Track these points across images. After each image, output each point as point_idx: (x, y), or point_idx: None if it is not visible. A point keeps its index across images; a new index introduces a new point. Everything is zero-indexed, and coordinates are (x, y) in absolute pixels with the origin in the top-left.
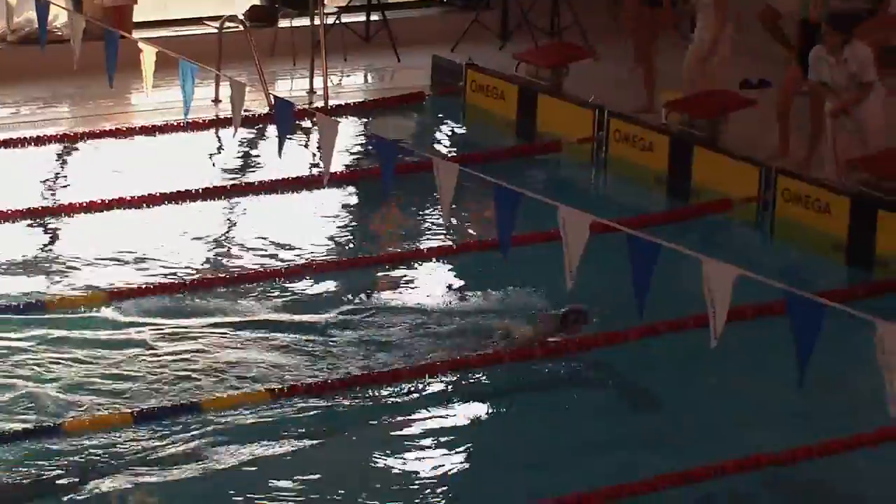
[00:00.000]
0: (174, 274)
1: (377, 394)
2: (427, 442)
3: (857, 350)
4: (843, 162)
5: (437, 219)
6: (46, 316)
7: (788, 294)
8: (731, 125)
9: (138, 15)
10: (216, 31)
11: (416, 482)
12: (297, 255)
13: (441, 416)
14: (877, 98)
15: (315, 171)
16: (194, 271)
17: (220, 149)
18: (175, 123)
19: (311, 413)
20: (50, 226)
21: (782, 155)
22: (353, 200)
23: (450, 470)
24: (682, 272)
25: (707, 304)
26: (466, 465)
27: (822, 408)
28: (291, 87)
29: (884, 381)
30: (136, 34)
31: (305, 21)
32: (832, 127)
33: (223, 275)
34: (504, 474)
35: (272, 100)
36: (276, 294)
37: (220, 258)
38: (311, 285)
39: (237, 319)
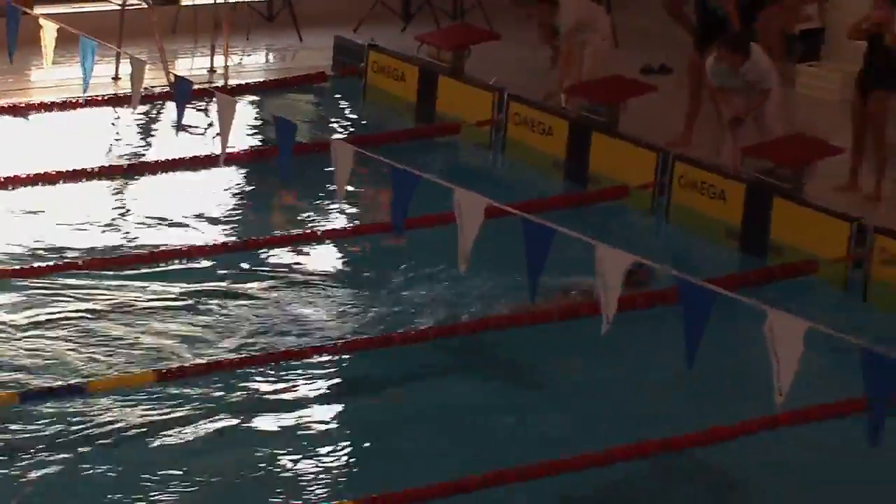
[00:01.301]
0: (68, 254)
1: (266, 374)
2: (305, 424)
3: (748, 337)
4: (740, 149)
5: (333, 200)
6: None
7: (680, 280)
8: (630, 110)
9: None
10: (118, 7)
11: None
12: (194, 236)
13: (325, 399)
14: (774, 87)
15: (213, 150)
16: (89, 250)
17: (118, 127)
18: (74, 100)
19: (197, 394)
20: None
21: (685, 144)
22: (251, 180)
23: (329, 455)
24: (577, 257)
25: (599, 289)
26: (350, 450)
27: (711, 395)
28: (192, 65)
29: (772, 368)
30: (37, 10)
31: (208, 0)
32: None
33: (118, 255)
34: (388, 461)
35: (172, 78)
36: (174, 274)
37: (116, 237)
38: (207, 266)
39: (129, 300)
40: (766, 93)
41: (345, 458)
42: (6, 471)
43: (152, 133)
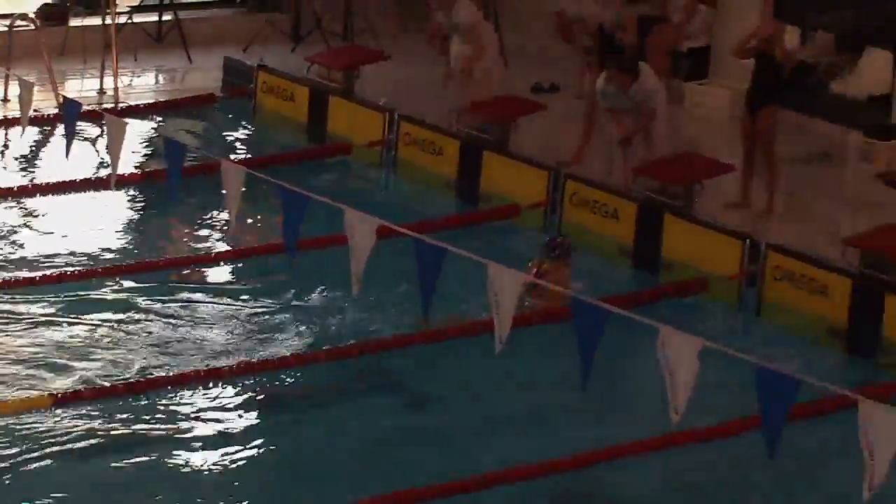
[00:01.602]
0: None
1: (161, 398)
2: (205, 446)
3: (642, 355)
4: (631, 168)
5: (224, 221)
6: None
7: (572, 298)
8: (521, 129)
9: None
10: (6, 29)
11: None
12: (86, 258)
13: (221, 420)
14: (661, 106)
15: (103, 171)
16: None
17: (7, 148)
18: None
19: (95, 419)
20: None
21: (575, 162)
22: (142, 202)
23: (234, 476)
24: (469, 278)
25: (492, 309)
26: (255, 470)
27: (607, 414)
28: (82, 86)
29: (666, 386)
30: None
31: (97, 20)
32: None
33: (8, 277)
34: (289, 482)
35: (61, 99)
36: (65, 296)
37: (6, 260)
38: (100, 287)
39: (18, 323)
40: (653, 112)
41: (242, 472)
42: None
43: (42, 155)
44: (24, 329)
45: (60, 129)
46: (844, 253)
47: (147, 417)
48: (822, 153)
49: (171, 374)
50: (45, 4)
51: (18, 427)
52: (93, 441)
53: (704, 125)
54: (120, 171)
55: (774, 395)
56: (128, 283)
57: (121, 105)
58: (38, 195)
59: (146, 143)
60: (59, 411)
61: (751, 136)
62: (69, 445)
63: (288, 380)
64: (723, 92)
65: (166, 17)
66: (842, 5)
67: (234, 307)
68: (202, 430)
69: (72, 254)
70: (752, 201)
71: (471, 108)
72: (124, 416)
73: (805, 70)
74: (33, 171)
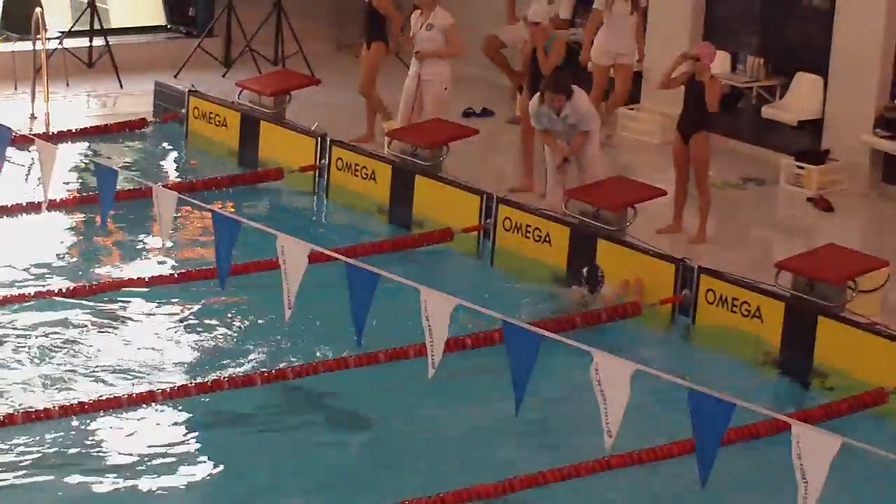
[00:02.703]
0: None
1: (89, 421)
2: (147, 470)
3: (574, 379)
4: (564, 192)
5: (157, 246)
6: None
7: (505, 323)
8: (452, 154)
9: None
10: None
11: None
12: (17, 283)
13: (154, 445)
14: (594, 128)
15: (35, 196)
16: None
17: None
18: None
19: (27, 443)
20: None
21: (527, 189)
22: (73, 227)
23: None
24: (402, 302)
25: (425, 333)
26: (192, 493)
27: (541, 438)
28: (12, 111)
29: (599, 411)
30: None
31: (27, 45)
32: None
33: None
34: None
35: None
36: None
37: None
38: (31, 312)
39: None
40: (585, 134)
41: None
42: None
43: None
44: None
45: None
46: (777, 276)
47: (75, 440)
48: (754, 178)
49: (96, 398)
50: None
51: None
52: (30, 466)
53: (636, 150)
54: (51, 195)
55: (708, 419)
56: (60, 307)
57: (52, 130)
58: None
59: (78, 168)
60: None
61: (683, 161)
62: (17, 470)
63: (224, 402)
64: (654, 117)
65: (97, 43)
66: (773, 29)
67: (166, 332)
68: (134, 453)
69: (3, 278)
70: (683, 225)
71: (402, 132)
72: (53, 440)
73: (737, 95)
74: None
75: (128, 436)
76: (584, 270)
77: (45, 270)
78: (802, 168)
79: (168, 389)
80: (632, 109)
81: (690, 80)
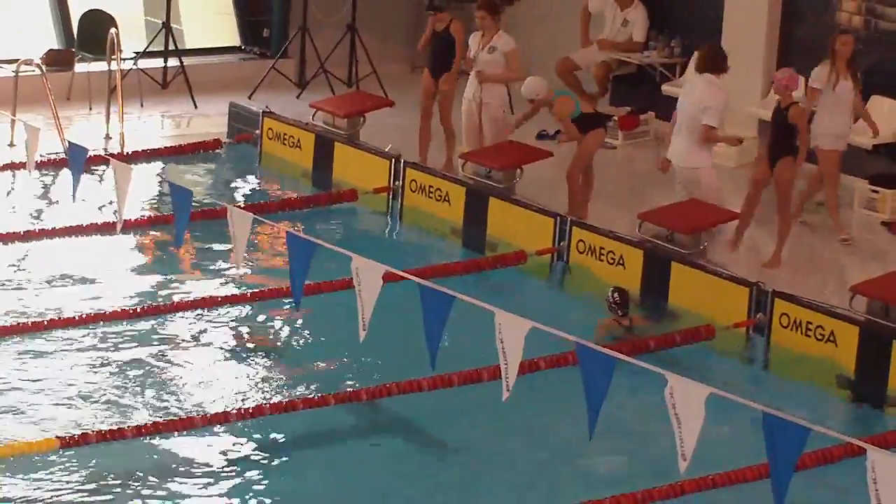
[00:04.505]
0: None
1: (173, 441)
2: (214, 493)
3: (649, 403)
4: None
5: (231, 267)
6: None
7: (579, 346)
8: (525, 176)
9: None
10: (12, 74)
11: None
12: (92, 303)
13: (230, 464)
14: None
15: (110, 217)
16: None
17: (14, 193)
18: None
19: (102, 462)
20: None
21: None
22: (148, 247)
23: None
24: (477, 324)
25: (500, 356)
26: None
27: (615, 461)
28: (87, 132)
29: (674, 434)
30: None
31: (102, 66)
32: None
33: (15, 322)
34: None
35: (67, 144)
36: (73, 341)
37: (13, 304)
38: (106, 332)
39: (26, 367)
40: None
41: None
42: None
43: (48, 199)
44: (31, 373)
45: (66, 173)
46: (851, 301)
47: (152, 461)
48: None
49: (177, 417)
50: (51, 50)
51: (25, 469)
52: (97, 485)
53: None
54: (126, 215)
55: (782, 443)
56: (134, 327)
57: (127, 150)
58: (44, 239)
59: (152, 189)
60: (66, 454)
61: (761, 186)
62: (75, 488)
63: (295, 424)
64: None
65: (172, 63)
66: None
67: (240, 352)
68: (207, 473)
69: (79, 298)
70: (742, 240)
71: (476, 154)
72: (127, 459)
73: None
74: (39, 216)
75: (201, 456)
76: (615, 295)
77: (118, 290)
78: (877, 192)
79: (242, 410)
80: None
81: (775, 109)
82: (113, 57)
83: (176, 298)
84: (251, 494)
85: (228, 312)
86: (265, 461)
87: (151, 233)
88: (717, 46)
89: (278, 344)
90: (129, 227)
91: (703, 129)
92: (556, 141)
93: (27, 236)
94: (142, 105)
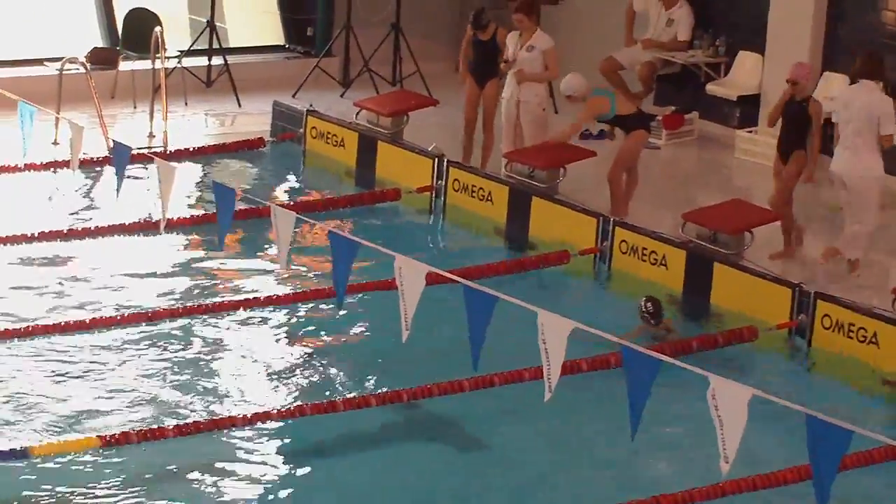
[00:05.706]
0: (5, 319)
1: (217, 439)
2: (254, 492)
3: (691, 405)
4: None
5: (274, 266)
6: None
7: (623, 347)
8: (568, 176)
9: None
10: (56, 72)
11: None
12: (135, 301)
13: (270, 464)
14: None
15: (153, 215)
16: (29, 317)
17: (57, 191)
18: (13, 165)
19: (144, 461)
20: None
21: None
22: (191, 246)
23: None
24: (518, 324)
25: (542, 356)
26: None
27: (653, 463)
28: (131, 130)
29: (716, 436)
30: None
31: (146, 64)
32: None
33: (59, 321)
34: None
35: (111, 143)
36: (113, 339)
37: (55, 302)
38: (148, 332)
39: (70, 366)
40: None
41: None
42: None
43: (92, 198)
44: (75, 372)
45: (110, 172)
46: (894, 303)
47: (193, 460)
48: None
49: (213, 417)
50: (95, 48)
51: (66, 468)
52: (138, 484)
53: (753, 173)
54: (170, 214)
55: (825, 445)
56: (178, 326)
57: (171, 149)
58: (87, 238)
59: (196, 187)
60: (107, 453)
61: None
62: (116, 487)
63: (337, 424)
64: (772, 140)
65: (216, 62)
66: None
67: (284, 351)
68: (249, 474)
69: (122, 297)
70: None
71: (519, 154)
72: (169, 458)
73: None
74: (83, 214)
75: (242, 455)
76: (647, 305)
77: (162, 289)
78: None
79: (283, 410)
80: (750, 132)
81: (788, 102)
82: (157, 55)
83: (218, 298)
84: (291, 494)
85: (271, 312)
86: (306, 461)
87: (195, 232)
88: (875, 53)
89: (320, 344)
90: (172, 226)
91: (886, 138)
92: (607, 137)
93: (70, 235)
94: (186, 103)
